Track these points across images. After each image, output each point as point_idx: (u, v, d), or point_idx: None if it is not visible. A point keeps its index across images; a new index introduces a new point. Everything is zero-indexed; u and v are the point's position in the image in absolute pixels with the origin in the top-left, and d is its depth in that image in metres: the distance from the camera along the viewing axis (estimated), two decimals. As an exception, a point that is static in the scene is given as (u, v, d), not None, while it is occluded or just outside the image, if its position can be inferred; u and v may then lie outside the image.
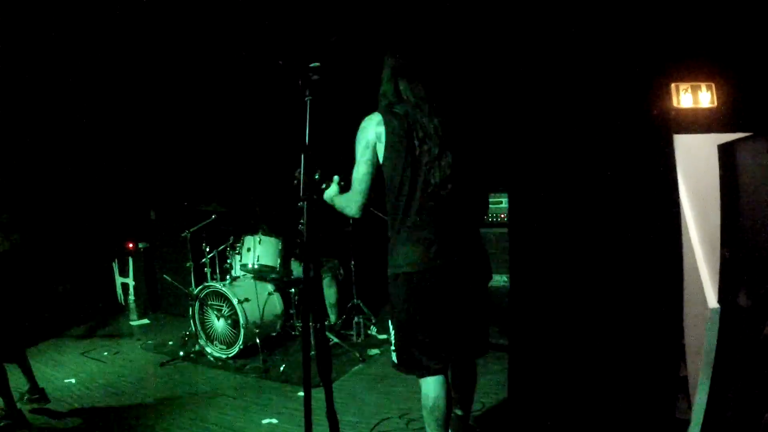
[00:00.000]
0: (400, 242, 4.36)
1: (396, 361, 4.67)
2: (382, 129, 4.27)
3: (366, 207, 4.40)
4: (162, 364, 7.86)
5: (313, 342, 4.55)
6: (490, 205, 7.68)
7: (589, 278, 4.72)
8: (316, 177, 4.48)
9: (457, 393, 4.77)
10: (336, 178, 4.66)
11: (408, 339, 4.49)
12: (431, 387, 4.40)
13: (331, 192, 4.66)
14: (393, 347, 4.65)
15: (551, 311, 4.92)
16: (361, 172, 4.33)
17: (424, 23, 7.21)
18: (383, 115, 4.32)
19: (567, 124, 4.83)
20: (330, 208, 4.71)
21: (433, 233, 4.28)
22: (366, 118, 4.39)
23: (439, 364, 4.41)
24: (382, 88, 4.51)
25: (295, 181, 4.34)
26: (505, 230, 7.66)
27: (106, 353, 8.65)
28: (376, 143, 4.30)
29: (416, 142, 4.25)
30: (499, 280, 7.60)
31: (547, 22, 4.96)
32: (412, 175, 4.25)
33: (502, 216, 7.85)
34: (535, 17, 5.02)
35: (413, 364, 4.50)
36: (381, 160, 4.32)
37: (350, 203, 4.42)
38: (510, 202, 7.10)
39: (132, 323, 10.53)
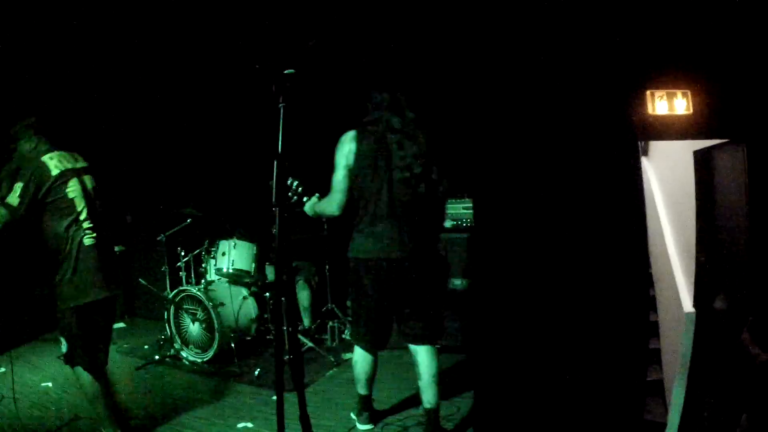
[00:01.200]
0: (359, 234, 5.41)
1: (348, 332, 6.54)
2: (355, 144, 5.32)
3: (345, 206, 5.41)
4: (138, 368, 7.81)
5: (286, 346, 4.57)
6: (465, 211, 8.34)
7: (556, 282, 4.74)
8: (292, 184, 5.73)
9: (420, 381, 5.49)
10: (317, 195, 5.71)
11: (356, 317, 5.66)
12: (356, 352, 5.70)
13: (311, 202, 5.71)
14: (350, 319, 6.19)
15: (516, 315, 4.94)
16: (339, 176, 5.36)
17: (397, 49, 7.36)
18: (358, 132, 5.38)
19: (536, 130, 4.86)
20: (304, 214, 5.75)
21: (387, 230, 5.28)
22: (345, 134, 5.40)
23: (372, 344, 5.57)
24: (367, 118, 5.46)
25: (288, 193, 5.63)
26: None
27: (82, 357, 8.55)
28: (350, 155, 5.32)
29: (383, 158, 5.28)
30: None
31: (521, 30, 4.98)
32: (377, 183, 5.27)
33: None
34: (509, 24, 5.03)
35: (356, 336, 5.69)
36: (354, 168, 5.33)
37: (331, 203, 5.43)
38: (475, 207, 7.17)
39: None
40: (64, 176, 5.35)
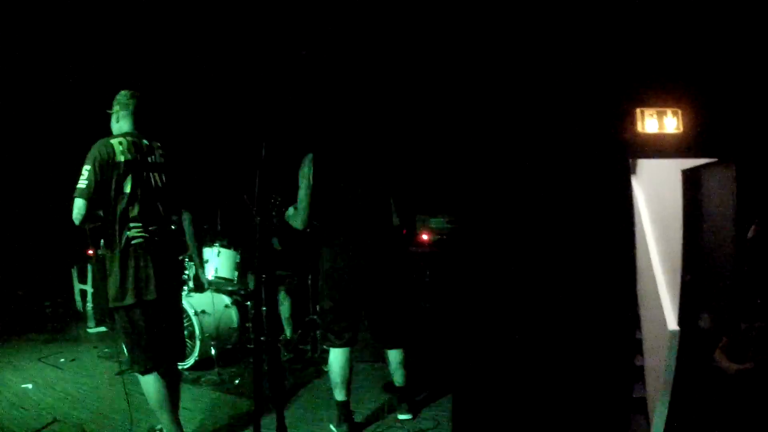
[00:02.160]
0: (325, 246, 5.95)
1: (319, 337, 7.89)
2: (311, 165, 5.85)
3: (309, 221, 5.97)
4: (117, 373, 7.72)
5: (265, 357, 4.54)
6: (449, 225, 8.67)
7: (543, 298, 4.73)
8: (274, 201, 6.41)
9: (390, 367, 6.29)
10: (293, 207, 6.10)
11: (324, 319, 6.21)
12: (331, 355, 6.06)
13: (288, 213, 6.17)
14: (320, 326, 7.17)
15: (500, 331, 4.93)
16: (301, 195, 5.91)
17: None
18: (314, 155, 5.91)
19: (526, 147, 4.85)
20: (288, 225, 6.15)
21: (344, 242, 5.85)
22: (306, 156, 5.91)
23: (342, 341, 5.96)
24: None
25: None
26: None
27: (63, 360, 8.56)
28: (310, 175, 5.84)
29: (338, 177, 5.86)
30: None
31: (512, 47, 4.98)
32: (333, 200, 5.88)
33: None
34: (503, 42, 5.04)
35: (325, 338, 6.26)
36: (314, 187, 5.86)
37: (297, 218, 6.01)
38: (464, 223, 7.19)
39: (89, 330, 10.43)
40: (128, 168, 5.13)
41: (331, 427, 6.09)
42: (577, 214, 4.61)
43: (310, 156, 5.89)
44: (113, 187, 5.05)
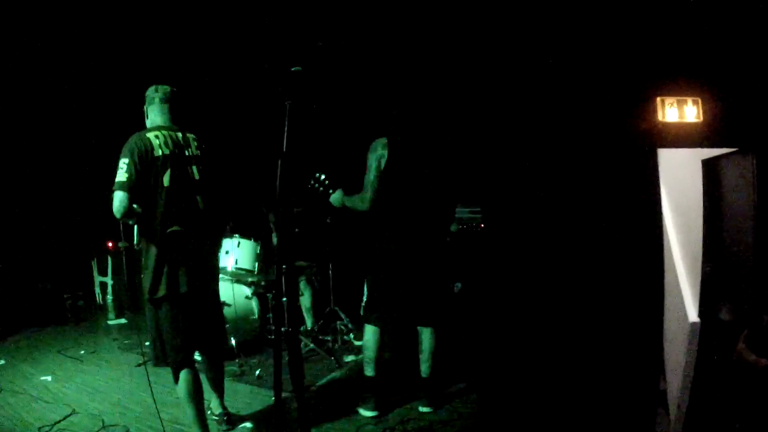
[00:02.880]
0: (384, 231, 6.09)
1: (362, 312, 7.98)
2: (386, 151, 5.99)
3: (374, 204, 6.05)
4: (138, 365, 7.76)
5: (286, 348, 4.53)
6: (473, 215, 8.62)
7: (570, 291, 4.70)
8: (320, 177, 6.42)
9: (421, 355, 6.34)
10: (340, 189, 6.38)
11: (370, 295, 6.49)
12: (367, 331, 6.25)
13: (338, 196, 6.38)
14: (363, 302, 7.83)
15: (528, 324, 4.90)
16: (370, 177, 6.03)
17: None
18: (389, 139, 6.04)
19: (548, 138, 4.82)
20: (309, 214, 6.56)
21: (401, 229, 6.03)
22: (377, 140, 6.06)
23: (381, 320, 6.18)
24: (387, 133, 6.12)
25: (316, 185, 6.42)
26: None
27: (83, 351, 8.59)
28: (381, 159, 5.99)
29: (406, 166, 5.99)
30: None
31: (532, 38, 4.95)
32: (398, 188, 6.00)
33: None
34: (522, 32, 5.01)
35: (366, 312, 6.40)
36: (383, 172, 6.00)
37: (363, 200, 6.11)
38: (490, 214, 7.18)
39: (110, 322, 10.47)
40: (166, 160, 5.15)
41: (360, 410, 6.21)
42: (601, 206, 4.58)
43: (383, 140, 6.05)
44: (152, 181, 5.05)
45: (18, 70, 8.77)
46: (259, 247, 8.20)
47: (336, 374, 7.57)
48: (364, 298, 8.27)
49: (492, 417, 5.54)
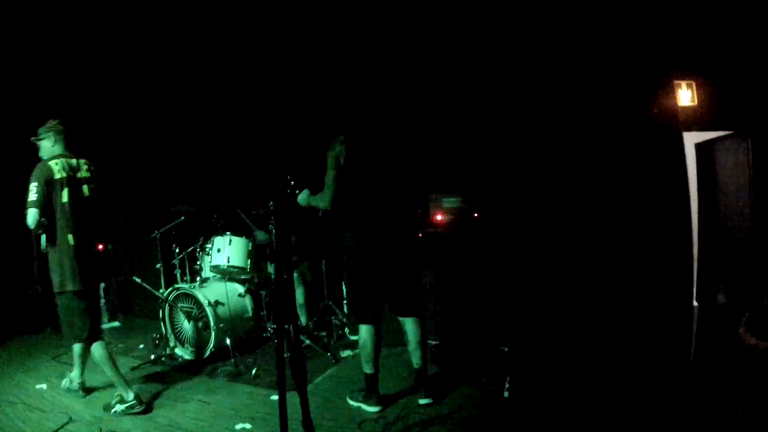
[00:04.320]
0: (351, 228, 6.15)
1: (346, 311, 8.42)
2: (343, 147, 5.98)
3: (334, 201, 6.05)
4: (133, 368, 7.73)
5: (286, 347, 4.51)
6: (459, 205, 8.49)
7: (596, 275, 4.70)
8: (287, 180, 6.45)
9: (409, 346, 6.40)
10: (306, 190, 6.44)
11: (353, 296, 6.76)
12: (363, 330, 6.21)
13: (304, 196, 6.41)
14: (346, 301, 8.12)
15: (559, 311, 4.90)
16: (331, 175, 6.01)
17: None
18: (346, 135, 6.03)
19: (568, 125, 4.81)
20: (301, 211, 6.46)
21: (367, 224, 6.06)
22: (335, 137, 6.05)
23: (373, 316, 6.19)
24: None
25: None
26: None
27: (78, 357, 8.46)
28: (340, 157, 5.98)
29: (366, 161, 6.02)
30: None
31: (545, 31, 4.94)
32: (360, 183, 6.03)
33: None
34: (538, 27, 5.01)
35: (357, 315, 6.47)
36: (343, 169, 6.00)
37: (324, 198, 6.11)
38: (512, 204, 7.22)
39: (103, 326, 10.38)
40: (62, 182, 6.32)
41: (361, 405, 6.24)
42: (628, 189, 4.56)
43: (341, 137, 6.04)
44: (54, 198, 6.28)
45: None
46: (251, 245, 8.15)
47: (333, 370, 7.54)
48: (345, 300, 8.64)
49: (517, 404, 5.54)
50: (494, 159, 7.69)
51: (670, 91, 4.41)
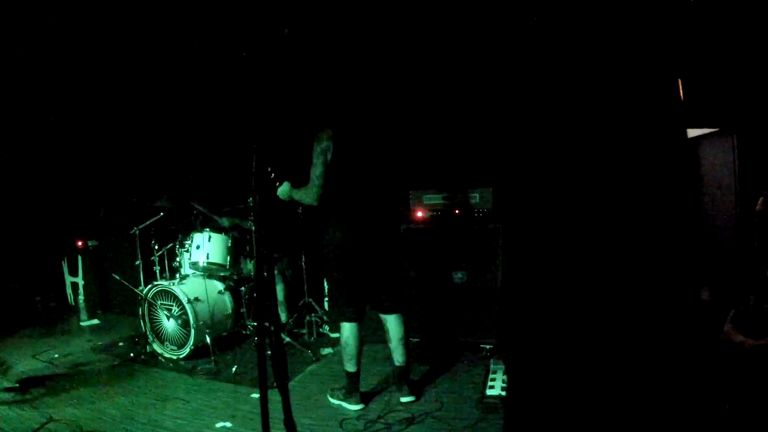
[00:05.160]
0: (333, 224, 6.10)
1: (327, 308, 8.40)
2: (332, 142, 5.92)
3: (322, 197, 6.01)
4: (113, 366, 7.69)
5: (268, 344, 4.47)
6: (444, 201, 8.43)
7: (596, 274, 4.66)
8: (267, 170, 6.49)
9: (390, 344, 6.36)
10: (287, 182, 6.37)
11: (335, 293, 6.78)
12: (345, 328, 6.20)
13: (285, 188, 6.34)
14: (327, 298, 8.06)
15: (557, 313, 4.85)
16: (317, 170, 5.96)
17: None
18: (334, 130, 5.96)
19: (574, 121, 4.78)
20: (280, 206, 6.56)
21: (352, 220, 6.04)
22: (321, 132, 5.97)
23: (355, 314, 6.18)
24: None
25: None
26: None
27: (56, 355, 8.43)
28: (327, 152, 5.92)
29: (354, 157, 6.00)
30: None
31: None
32: (347, 179, 6.01)
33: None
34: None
35: (340, 313, 6.33)
36: (330, 164, 5.96)
37: (309, 193, 6.04)
38: (505, 199, 7.24)
39: (82, 323, 10.31)
40: None
41: (342, 403, 6.23)
42: (628, 184, 4.53)
43: (328, 132, 5.98)
44: None
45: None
46: (230, 241, 8.10)
47: (314, 367, 7.52)
48: (326, 298, 8.70)
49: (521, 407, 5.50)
50: (476, 155, 7.68)
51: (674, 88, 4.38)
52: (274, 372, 3.75)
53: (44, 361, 8.10)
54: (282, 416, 3.69)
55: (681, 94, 4.32)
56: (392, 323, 6.30)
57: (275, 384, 3.72)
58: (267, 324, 3.98)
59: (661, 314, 4.48)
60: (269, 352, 3.75)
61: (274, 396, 3.70)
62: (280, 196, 6.42)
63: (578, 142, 4.67)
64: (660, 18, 4.40)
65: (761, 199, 4.17)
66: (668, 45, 4.36)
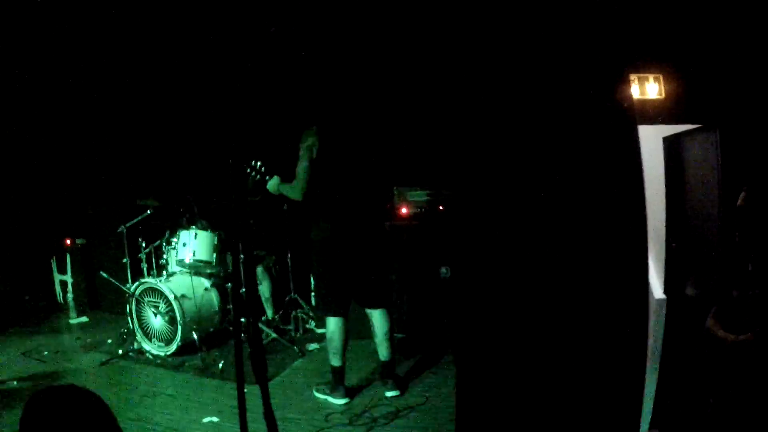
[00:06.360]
0: (319, 220, 6.19)
1: (313, 303, 8.22)
2: (317, 138, 6.06)
3: (307, 193, 6.10)
4: (102, 364, 7.70)
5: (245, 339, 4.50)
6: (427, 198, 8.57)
7: (548, 271, 4.66)
8: (256, 164, 6.36)
9: (375, 339, 6.46)
10: (276, 176, 6.42)
11: (320, 288, 6.59)
12: (330, 323, 6.26)
13: (274, 182, 6.39)
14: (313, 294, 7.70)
15: (504, 313, 4.85)
16: (303, 166, 6.06)
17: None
18: (319, 127, 6.12)
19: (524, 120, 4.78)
20: (266, 202, 6.84)
21: (337, 216, 6.13)
22: (307, 129, 6.13)
23: (340, 308, 6.25)
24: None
25: (252, 172, 6.40)
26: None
27: (46, 353, 8.41)
28: (313, 148, 6.04)
29: (339, 153, 6.12)
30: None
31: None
32: (332, 176, 6.12)
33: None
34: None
35: (325, 307, 6.42)
36: (315, 161, 6.07)
37: (296, 189, 6.15)
38: (457, 197, 7.21)
39: (71, 321, 10.29)
40: None
41: (327, 398, 6.27)
42: (583, 185, 4.53)
43: (314, 129, 6.12)
44: None
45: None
46: (216, 238, 8.11)
47: (299, 363, 7.55)
48: (312, 293, 8.37)
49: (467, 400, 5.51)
50: (452, 152, 7.71)
51: (626, 84, 4.38)
52: (252, 366, 3.78)
53: (35, 359, 8.11)
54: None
55: (630, 90, 4.33)
56: (377, 318, 6.36)
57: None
58: (243, 320, 4.01)
59: (611, 311, 4.50)
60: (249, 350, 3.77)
61: (257, 391, 3.73)
62: (270, 190, 6.48)
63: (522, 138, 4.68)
64: (629, 13, 4.42)
65: (742, 194, 4.20)
66: (620, 39, 4.38)
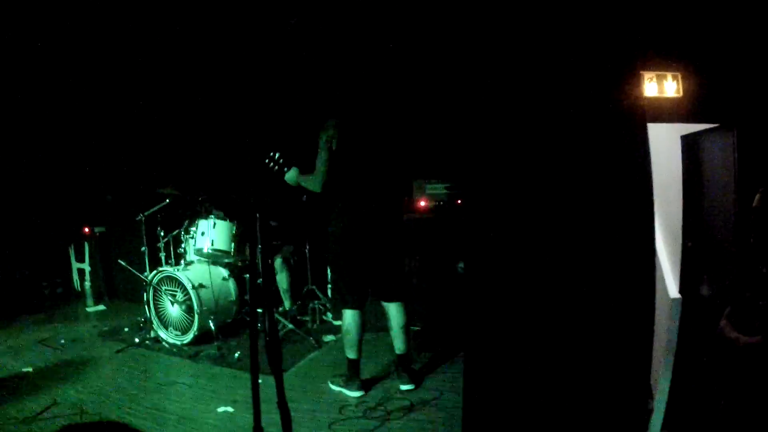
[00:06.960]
0: (337, 212, 6.19)
1: (330, 295, 8.47)
2: (336, 131, 6.04)
3: (326, 184, 6.11)
4: (118, 351, 7.73)
5: (261, 329, 4.51)
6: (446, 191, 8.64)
7: (557, 269, 4.65)
8: (274, 155, 6.31)
9: (391, 332, 6.44)
10: (296, 168, 6.43)
11: (337, 281, 6.75)
12: (347, 316, 6.25)
13: (293, 174, 6.41)
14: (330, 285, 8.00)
15: (514, 309, 4.85)
16: (322, 158, 6.07)
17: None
18: (338, 119, 6.11)
19: (533, 115, 4.77)
20: (285, 194, 6.73)
21: (356, 209, 6.13)
22: (327, 121, 6.12)
23: (356, 301, 6.26)
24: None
25: (270, 163, 6.34)
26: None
27: (63, 341, 8.44)
28: (332, 140, 6.04)
29: (358, 146, 6.11)
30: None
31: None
32: (351, 168, 6.12)
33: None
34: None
35: (341, 300, 6.40)
36: (335, 153, 6.07)
37: (315, 181, 6.14)
38: (467, 193, 7.20)
39: (88, 309, 10.34)
40: None
41: (342, 390, 6.29)
42: (588, 180, 4.52)
43: (333, 121, 6.11)
44: None
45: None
46: (234, 228, 8.13)
47: (315, 354, 7.56)
48: (329, 285, 8.64)
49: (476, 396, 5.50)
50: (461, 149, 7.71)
51: (637, 82, 4.37)
52: (268, 356, 3.80)
53: (50, 347, 8.15)
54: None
55: (641, 87, 4.32)
56: (394, 311, 6.36)
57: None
58: (259, 311, 4.02)
59: (621, 310, 4.49)
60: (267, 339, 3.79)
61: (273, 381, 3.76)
62: (288, 182, 6.49)
63: (535, 136, 4.67)
64: (647, 11, 4.40)
65: (758, 195, 4.18)
66: (634, 37, 4.36)
